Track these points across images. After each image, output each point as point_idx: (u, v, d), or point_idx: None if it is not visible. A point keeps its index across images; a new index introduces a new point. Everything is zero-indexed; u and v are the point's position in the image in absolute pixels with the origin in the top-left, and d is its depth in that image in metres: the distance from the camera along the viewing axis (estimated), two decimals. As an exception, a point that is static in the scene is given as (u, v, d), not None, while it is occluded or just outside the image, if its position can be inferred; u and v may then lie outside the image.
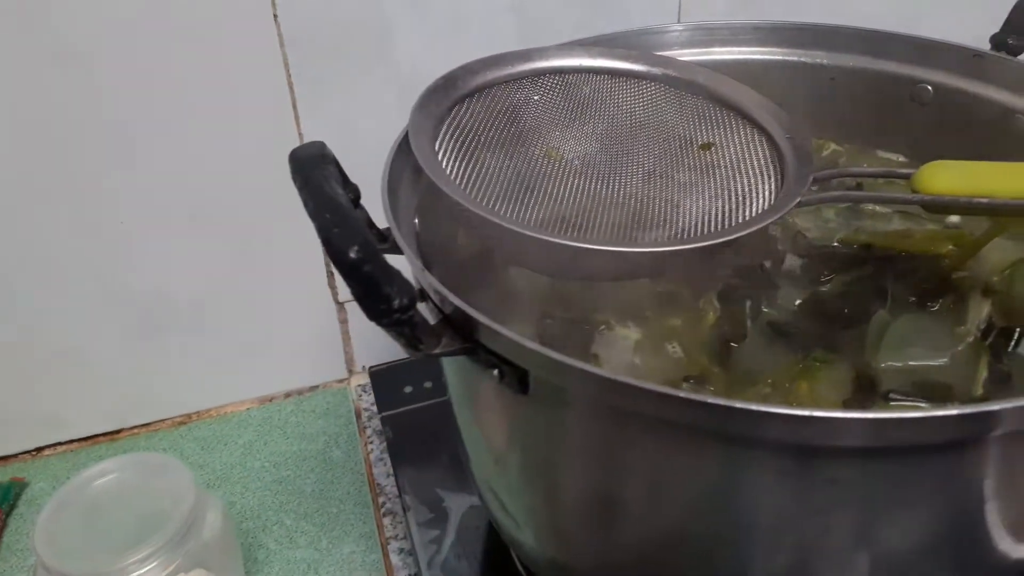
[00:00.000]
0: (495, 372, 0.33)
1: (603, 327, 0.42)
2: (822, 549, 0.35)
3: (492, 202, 0.47)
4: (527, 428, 0.37)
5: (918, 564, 0.36)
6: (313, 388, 0.77)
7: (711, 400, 0.29)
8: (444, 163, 0.45)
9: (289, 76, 0.63)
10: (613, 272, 0.44)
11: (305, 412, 0.75)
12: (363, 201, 0.42)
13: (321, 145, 0.37)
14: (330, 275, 0.72)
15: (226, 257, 0.68)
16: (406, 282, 0.32)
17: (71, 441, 0.73)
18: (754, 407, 0.28)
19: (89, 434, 0.73)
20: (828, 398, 0.38)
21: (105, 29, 0.57)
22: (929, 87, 0.53)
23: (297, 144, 0.64)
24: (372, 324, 0.78)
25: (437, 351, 0.34)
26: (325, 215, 0.32)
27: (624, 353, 0.41)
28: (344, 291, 0.73)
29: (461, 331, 0.34)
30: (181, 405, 0.75)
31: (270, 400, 0.76)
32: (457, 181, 0.44)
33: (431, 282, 0.34)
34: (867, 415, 0.30)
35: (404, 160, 0.45)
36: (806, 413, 0.29)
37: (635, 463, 0.35)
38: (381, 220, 0.41)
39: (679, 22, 0.69)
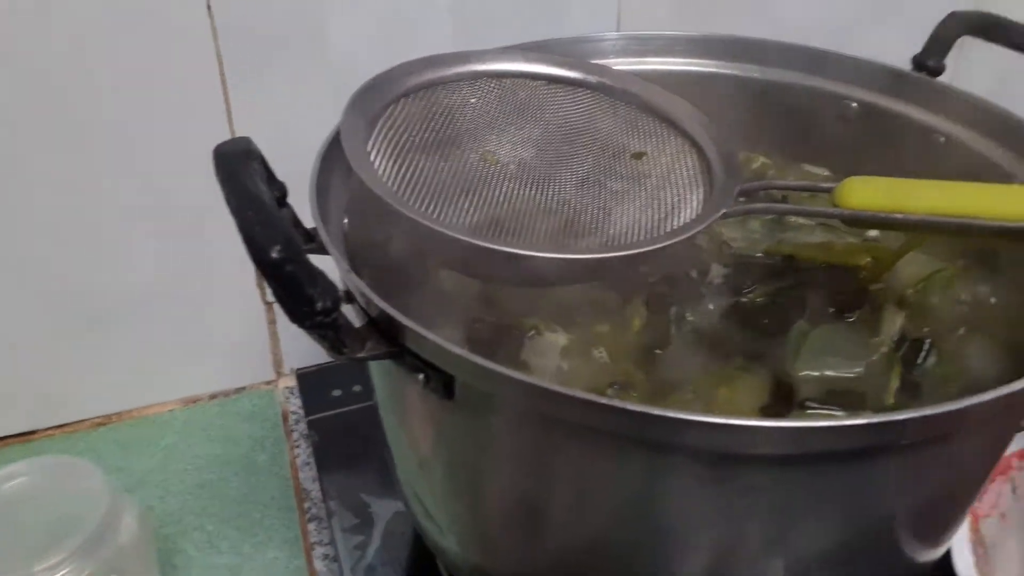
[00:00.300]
0: (420, 377, 0.33)
1: (532, 332, 0.42)
2: (740, 553, 0.36)
3: (425, 205, 0.47)
4: (452, 434, 0.36)
5: (831, 568, 0.37)
6: (240, 390, 0.76)
7: (632, 407, 0.29)
8: (377, 163, 0.45)
9: (222, 71, 0.62)
10: (544, 278, 0.44)
11: (231, 414, 0.73)
12: (294, 200, 0.41)
13: (247, 141, 0.37)
14: (259, 274, 0.71)
15: (151, 255, 0.67)
16: (330, 283, 0.31)
17: (-19, 442, 0.70)
18: (673, 414, 0.29)
19: (1, 435, 0.70)
20: (746, 405, 0.39)
21: (26, 17, 0.55)
22: (854, 104, 0.55)
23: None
24: (302, 325, 0.77)
25: (362, 355, 0.33)
26: (247, 212, 0.31)
27: (552, 358, 0.41)
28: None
29: (387, 335, 0.34)
30: (101, 406, 0.72)
31: (195, 402, 0.74)
32: (389, 182, 0.44)
33: (357, 284, 0.34)
34: (779, 423, 0.31)
35: (335, 159, 0.45)
36: (723, 421, 0.30)
37: (560, 469, 0.35)
38: (308, 219, 0.41)
39: (616, 31, 0.70)
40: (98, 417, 0.72)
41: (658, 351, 0.42)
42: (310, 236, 0.40)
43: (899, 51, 0.60)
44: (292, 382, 0.76)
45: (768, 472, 0.32)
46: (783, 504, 0.34)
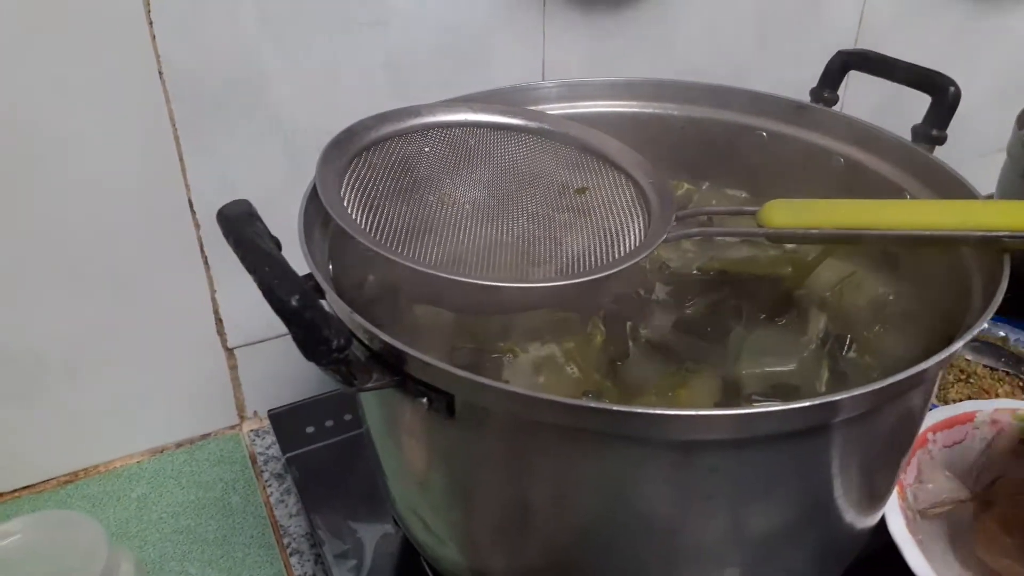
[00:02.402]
0: (424, 400, 0.38)
1: (508, 354, 0.47)
2: (708, 528, 0.41)
3: (395, 246, 0.51)
4: (453, 448, 0.41)
5: (785, 538, 0.43)
6: (205, 436, 0.77)
7: (614, 407, 0.34)
8: (351, 212, 0.49)
9: (175, 130, 0.64)
10: (511, 305, 0.49)
11: (199, 460, 0.75)
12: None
13: (246, 203, 0.41)
14: (219, 322, 0.73)
15: (108, 308, 0.68)
16: (342, 324, 0.36)
17: (-53, 510, 0.70)
18: (649, 410, 0.34)
19: (-34, 501, 0.70)
20: (703, 402, 0.45)
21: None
22: (764, 133, 0.61)
23: (184, 195, 0.66)
24: (261, 368, 0.79)
25: (370, 385, 0.37)
26: (264, 268, 0.35)
27: (529, 375, 0.46)
28: (234, 337, 0.74)
29: (389, 365, 0.38)
30: (66, 463, 0.73)
31: (161, 451, 0.75)
32: (365, 228, 0.48)
33: (360, 322, 0.38)
34: (735, 411, 0.36)
35: (313, 209, 0.48)
36: (690, 413, 0.35)
37: (549, 469, 0.40)
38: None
39: (543, 79, 0.76)
40: (64, 475, 0.73)
41: (619, 362, 0.48)
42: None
43: (790, 82, 0.67)
44: (256, 424, 0.78)
45: (726, 454, 0.38)
46: (742, 482, 0.39)
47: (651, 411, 0.35)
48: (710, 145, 0.64)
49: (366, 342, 0.39)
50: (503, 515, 0.42)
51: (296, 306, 0.34)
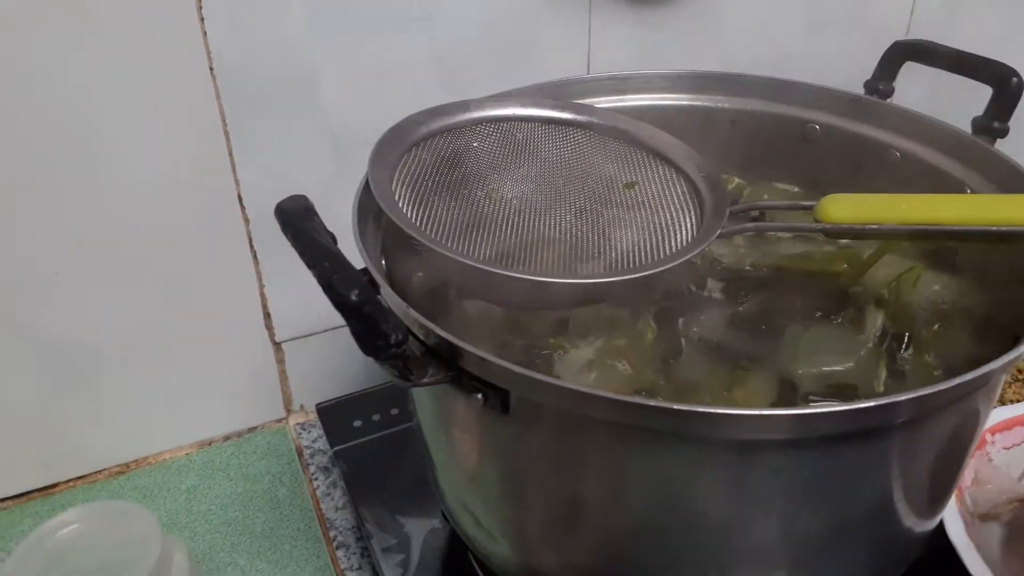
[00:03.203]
0: (479, 396, 0.38)
1: (559, 351, 0.47)
2: (765, 530, 0.40)
3: (446, 241, 0.51)
4: (507, 444, 0.41)
5: (842, 540, 0.42)
6: (252, 429, 0.78)
7: (673, 406, 0.34)
8: (403, 208, 0.49)
9: (225, 126, 0.65)
10: (561, 301, 0.49)
11: (246, 453, 0.75)
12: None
13: (304, 199, 0.41)
14: (267, 316, 0.74)
15: (159, 303, 0.69)
16: (399, 320, 0.36)
17: (3, 500, 0.71)
18: (710, 409, 0.34)
19: (22, 491, 0.72)
20: (758, 401, 0.44)
21: (43, 81, 0.58)
22: (817, 127, 0.60)
23: (233, 190, 0.67)
24: (308, 362, 0.80)
25: (425, 380, 0.37)
26: (324, 263, 0.35)
27: (580, 372, 0.46)
28: (282, 331, 0.75)
29: (445, 360, 0.38)
30: (118, 455, 0.74)
31: (209, 444, 0.77)
32: (416, 223, 0.48)
33: (416, 317, 0.38)
34: (794, 411, 0.36)
35: (365, 205, 0.49)
36: (749, 412, 0.35)
37: (604, 466, 0.39)
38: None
39: (588, 73, 0.75)
40: (116, 466, 0.74)
41: (673, 360, 0.47)
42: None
43: (845, 74, 0.66)
44: (303, 418, 0.79)
45: (784, 455, 0.37)
46: (799, 483, 0.39)
47: (710, 410, 0.34)
48: (761, 139, 0.63)
49: (421, 337, 0.39)
50: (556, 512, 0.42)
51: (356, 300, 0.34)
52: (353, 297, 0.34)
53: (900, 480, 0.41)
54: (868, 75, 0.63)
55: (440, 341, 0.38)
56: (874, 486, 0.41)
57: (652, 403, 0.34)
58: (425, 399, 0.45)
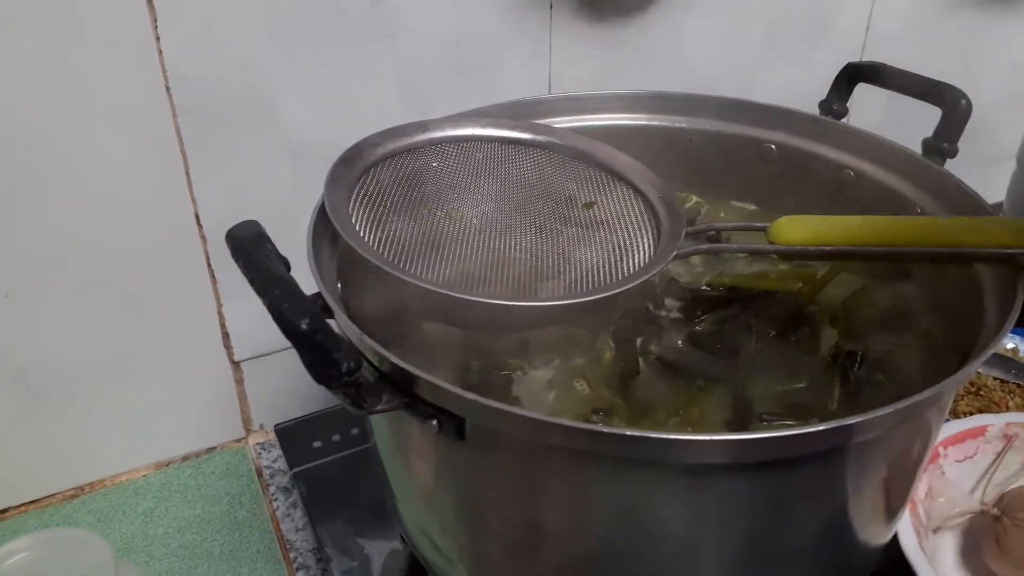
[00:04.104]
0: (434, 423, 0.37)
1: (518, 371, 0.47)
2: (723, 551, 0.41)
3: (404, 263, 0.51)
4: (463, 470, 0.41)
5: (802, 555, 0.42)
6: (211, 450, 0.77)
7: (627, 432, 0.34)
8: (359, 229, 0.49)
9: (182, 144, 0.64)
10: (520, 323, 0.49)
11: (205, 474, 0.74)
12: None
13: (255, 225, 0.40)
14: (225, 335, 0.73)
15: (116, 322, 0.68)
16: (352, 347, 0.35)
17: (-47, 525, 0.69)
18: (666, 436, 0.34)
19: (-31, 517, 0.70)
20: (713, 420, 0.44)
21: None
22: (773, 146, 0.61)
23: (191, 208, 0.66)
24: (268, 381, 0.79)
25: (379, 407, 0.37)
26: (274, 292, 0.35)
27: (540, 393, 0.46)
28: (240, 350, 0.74)
29: (399, 387, 0.38)
30: (72, 477, 0.73)
31: (167, 465, 0.75)
32: (373, 246, 0.48)
33: (370, 344, 0.38)
34: (745, 436, 0.36)
35: (321, 227, 0.48)
36: (701, 438, 0.35)
37: (561, 493, 0.39)
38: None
39: (549, 93, 0.76)
40: (70, 489, 0.73)
41: (631, 379, 0.47)
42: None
43: (802, 91, 0.67)
44: (262, 437, 0.78)
45: (738, 477, 0.38)
46: (754, 504, 0.39)
47: (662, 436, 0.34)
48: (718, 158, 0.63)
49: (375, 363, 0.38)
50: (513, 537, 0.42)
51: (306, 330, 0.34)
52: (303, 326, 0.33)
53: (854, 497, 0.41)
54: (823, 95, 0.63)
55: (394, 368, 0.37)
56: (828, 504, 0.41)
57: (606, 430, 0.34)
58: (381, 424, 0.45)
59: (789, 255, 0.47)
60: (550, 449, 0.37)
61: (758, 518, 0.39)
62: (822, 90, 0.64)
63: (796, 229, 0.46)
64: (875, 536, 0.46)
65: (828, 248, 0.46)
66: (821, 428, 0.35)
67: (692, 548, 0.40)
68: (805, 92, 0.66)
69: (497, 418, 0.36)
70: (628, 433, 0.34)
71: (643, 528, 0.39)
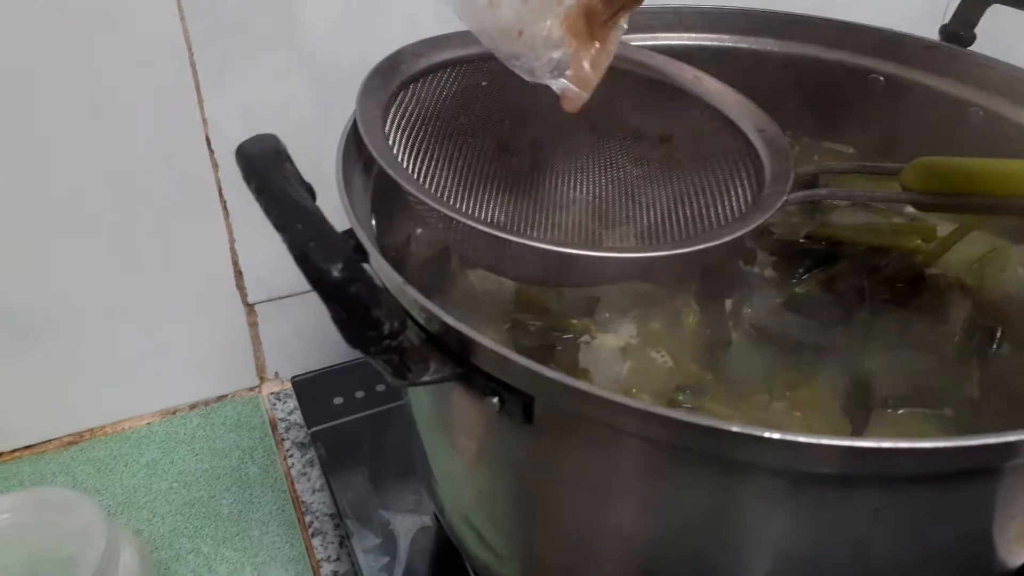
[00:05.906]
0: (494, 400, 0.29)
1: (584, 336, 0.39)
2: (830, 568, 0.33)
3: (449, 199, 0.44)
4: (528, 459, 0.33)
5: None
6: (221, 398, 0.72)
7: (765, 434, 0.26)
8: (398, 156, 0.41)
9: (191, 55, 0.57)
10: (583, 276, 0.41)
11: (214, 425, 0.69)
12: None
13: (274, 139, 0.32)
14: (238, 274, 0.67)
15: (117, 258, 0.62)
16: (395, 302, 0.27)
17: (-59, 470, 0.64)
18: (855, 444, 0.26)
19: (-38, 460, 0.65)
20: (829, 405, 0.36)
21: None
22: (881, 78, 0.53)
23: (201, 130, 0.58)
24: (285, 326, 0.73)
25: (426, 378, 0.29)
26: (296, 226, 0.27)
27: (611, 363, 0.38)
28: (255, 292, 0.68)
29: (452, 354, 0.30)
30: (71, 423, 0.68)
31: (173, 413, 0.70)
32: (413, 175, 0.40)
33: (415, 297, 0.30)
34: (900, 444, 0.28)
35: (352, 151, 0.40)
36: (843, 443, 0.27)
37: (646, 492, 0.32)
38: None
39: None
40: (69, 435, 0.68)
41: (721, 350, 0.39)
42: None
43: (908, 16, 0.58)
44: (277, 387, 0.72)
45: (877, 491, 0.30)
46: (878, 522, 0.31)
47: (840, 443, 0.26)
48: (812, 90, 0.55)
49: (422, 323, 0.31)
50: (584, 541, 0.34)
51: (339, 278, 0.26)
52: (335, 273, 0.25)
53: (1000, 524, 0.33)
54: (945, 18, 0.54)
55: (446, 329, 0.29)
56: (968, 530, 0.33)
57: (734, 428, 0.26)
58: (422, 394, 0.37)
59: (930, 206, 0.39)
60: (644, 442, 0.29)
61: (879, 538, 0.31)
62: (943, 12, 0.54)
63: (939, 174, 0.38)
64: (1014, 557, 0.38)
65: (979, 198, 0.37)
66: (968, 444, 0.27)
67: (786, 564, 0.32)
68: (916, 17, 0.57)
69: (580, 401, 0.27)
70: (779, 437, 0.25)
71: (743, 541, 0.31)
